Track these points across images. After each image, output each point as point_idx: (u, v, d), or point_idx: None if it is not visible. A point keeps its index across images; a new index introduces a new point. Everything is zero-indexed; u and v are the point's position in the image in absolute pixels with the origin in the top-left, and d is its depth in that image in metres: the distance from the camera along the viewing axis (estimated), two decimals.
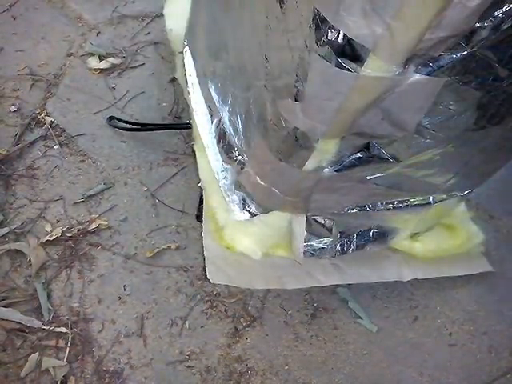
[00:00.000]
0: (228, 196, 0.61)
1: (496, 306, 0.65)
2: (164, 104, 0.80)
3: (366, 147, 0.43)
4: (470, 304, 0.65)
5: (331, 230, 0.58)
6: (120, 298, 0.63)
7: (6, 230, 0.67)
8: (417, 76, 0.33)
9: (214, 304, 0.63)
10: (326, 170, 0.45)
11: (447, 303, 0.65)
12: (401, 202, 0.56)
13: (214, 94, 0.64)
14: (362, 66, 0.32)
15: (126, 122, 0.76)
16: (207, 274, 0.62)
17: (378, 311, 0.64)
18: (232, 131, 0.59)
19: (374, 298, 0.65)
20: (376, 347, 0.62)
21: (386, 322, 0.63)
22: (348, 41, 0.32)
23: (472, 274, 0.66)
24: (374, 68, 0.32)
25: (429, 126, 0.40)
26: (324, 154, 0.43)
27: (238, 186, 0.60)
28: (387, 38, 0.31)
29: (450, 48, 0.32)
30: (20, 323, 0.60)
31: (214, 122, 0.65)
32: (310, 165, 0.45)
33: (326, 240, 0.59)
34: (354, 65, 0.33)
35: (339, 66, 0.33)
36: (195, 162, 0.70)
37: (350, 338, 0.62)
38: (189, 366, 0.60)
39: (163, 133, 0.77)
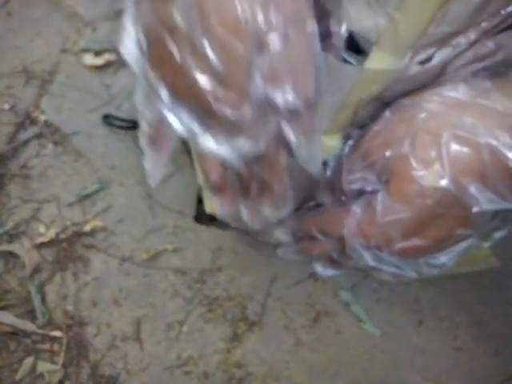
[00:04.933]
0: None
1: (503, 309, 0.63)
2: None
3: None
4: (475, 307, 0.63)
5: None
6: (116, 302, 0.62)
7: None
8: (419, 68, 0.32)
9: (213, 307, 0.62)
10: (328, 165, 0.44)
11: (452, 306, 0.63)
12: None
13: None
14: (365, 59, 0.31)
15: (122, 120, 0.74)
16: None
17: (381, 314, 0.62)
18: None
19: (377, 301, 0.63)
20: (380, 351, 0.60)
21: (389, 326, 0.62)
22: (351, 34, 0.31)
23: (478, 276, 0.64)
24: (377, 61, 0.31)
25: None
26: (326, 149, 0.42)
27: None
28: (391, 31, 0.30)
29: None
30: (14, 326, 0.59)
31: None
32: None
33: None
34: (357, 58, 0.32)
35: (342, 59, 0.32)
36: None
37: (353, 343, 0.61)
38: (186, 371, 0.59)
39: None
